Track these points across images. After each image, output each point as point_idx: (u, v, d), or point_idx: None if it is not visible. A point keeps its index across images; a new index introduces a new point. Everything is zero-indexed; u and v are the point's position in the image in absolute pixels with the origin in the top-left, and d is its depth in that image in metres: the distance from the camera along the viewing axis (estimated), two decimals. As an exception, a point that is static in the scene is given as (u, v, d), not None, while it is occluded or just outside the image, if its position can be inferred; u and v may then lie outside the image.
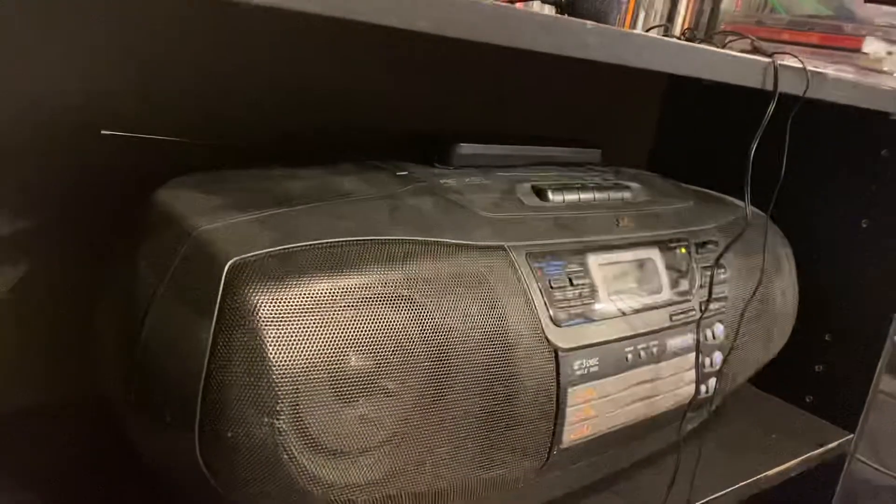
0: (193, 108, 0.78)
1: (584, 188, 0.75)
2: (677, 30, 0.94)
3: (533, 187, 0.72)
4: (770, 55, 0.66)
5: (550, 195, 0.72)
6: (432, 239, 0.60)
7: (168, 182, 0.64)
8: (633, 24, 0.91)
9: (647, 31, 0.92)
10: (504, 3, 0.49)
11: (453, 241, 0.61)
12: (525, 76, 1.02)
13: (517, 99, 1.03)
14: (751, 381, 0.97)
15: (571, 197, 0.73)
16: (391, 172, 0.70)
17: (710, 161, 1.14)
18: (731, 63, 0.64)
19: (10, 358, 0.75)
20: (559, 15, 0.60)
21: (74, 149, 0.72)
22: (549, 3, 0.65)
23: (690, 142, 1.21)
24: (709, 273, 0.78)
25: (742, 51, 0.73)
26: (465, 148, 0.75)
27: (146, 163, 0.74)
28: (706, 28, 0.96)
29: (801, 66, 0.68)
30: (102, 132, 0.72)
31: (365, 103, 0.88)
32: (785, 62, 0.68)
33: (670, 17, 0.93)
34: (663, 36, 0.86)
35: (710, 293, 0.76)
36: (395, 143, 0.79)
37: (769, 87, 0.66)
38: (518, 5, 0.79)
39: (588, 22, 0.52)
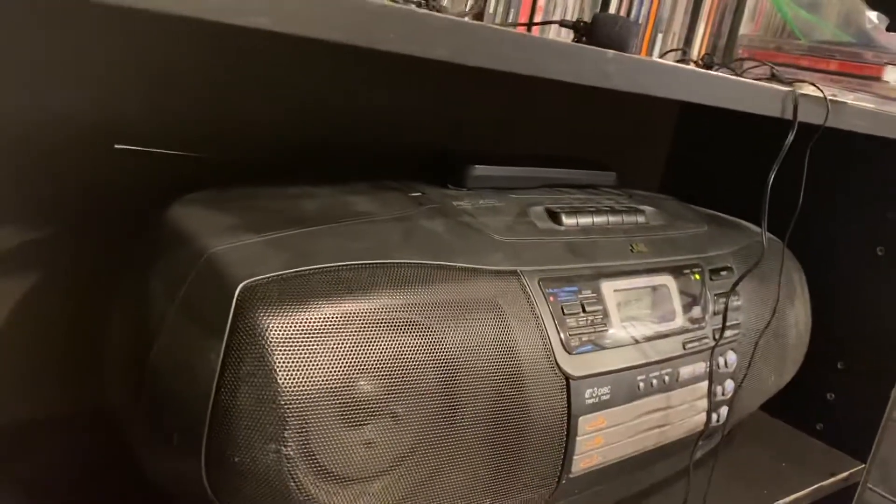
0: (205, 123, 0.77)
1: (597, 212, 0.74)
2: (695, 53, 0.94)
3: (546, 210, 0.72)
4: (790, 84, 0.66)
5: (564, 218, 0.71)
6: (444, 263, 0.59)
7: (180, 198, 0.64)
8: (651, 48, 0.90)
9: (664, 55, 0.91)
10: (523, 32, 0.48)
11: (465, 265, 0.60)
12: (538, 96, 1.01)
13: (530, 119, 1.02)
14: (761, 407, 0.96)
15: (585, 220, 0.72)
16: (404, 193, 0.70)
17: (723, 183, 1.13)
18: (751, 92, 0.63)
19: (21, 368, 0.75)
20: (577, 42, 0.60)
21: (87, 163, 0.72)
22: (567, 28, 0.65)
23: (704, 164, 1.20)
24: (723, 300, 0.77)
25: (761, 77, 0.72)
26: (479, 169, 0.74)
27: (158, 177, 0.74)
28: (724, 52, 0.96)
29: (821, 94, 0.68)
30: (116, 146, 0.72)
31: (378, 122, 0.88)
32: (804, 91, 0.68)
33: (688, 41, 0.93)
34: (680, 60, 0.86)
35: (724, 321, 0.75)
36: (408, 163, 0.79)
37: (789, 116, 0.66)
38: (535, 30, 0.79)
39: (608, 51, 0.51)
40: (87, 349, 0.75)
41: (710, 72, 0.61)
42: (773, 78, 0.70)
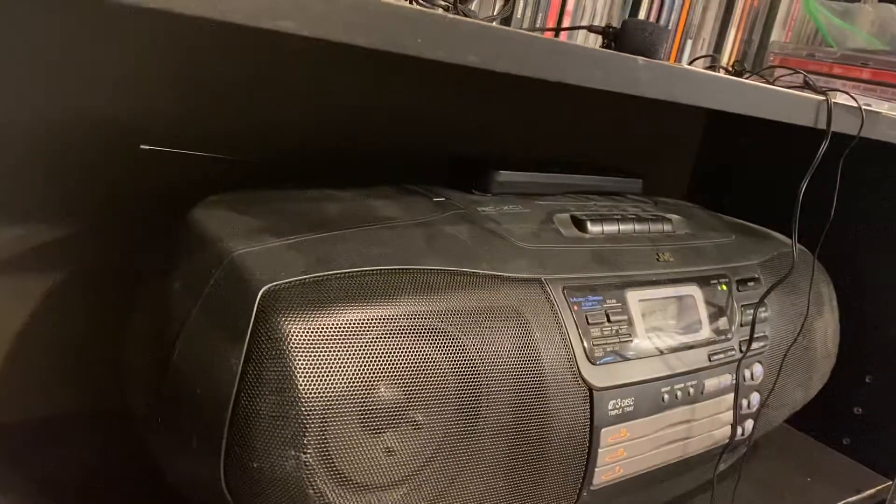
0: (230, 125, 0.77)
1: (623, 219, 0.73)
2: (724, 60, 0.92)
3: (571, 217, 0.71)
4: (823, 93, 0.64)
5: (589, 226, 0.70)
6: (468, 270, 0.59)
7: (204, 200, 0.64)
8: (680, 54, 0.89)
9: (693, 61, 0.90)
10: (553, 38, 0.48)
11: (489, 272, 0.60)
12: (564, 101, 1.00)
13: (555, 124, 1.01)
14: (787, 420, 0.94)
15: (611, 228, 0.71)
16: (428, 198, 0.69)
17: (749, 192, 1.11)
18: (784, 101, 0.62)
19: (41, 366, 0.75)
20: (607, 49, 0.59)
21: (111, 162, 0.72)
22: (595, 33, 0.64)
23: (730, 172, 1.18)
24: (749, 311, 0.76)
25: (793, 86, 0.71)
26: (504, 175, 0.74)
27: (182, 178, 0.74)
28: (754, 59, 0.94)
29: (855, 104, 0.66)
30: (141, 146, 0.72)
31: (402, 126, 0.88)
32: (838, 100, 0.66)
33: (717, 48, 0.92)
34: (710, 67, 0.84)
35: (752, 333, 0.74)
36: (432, 167, 0.78)
37: (822, 125, 0.64)
38: (563, 35, 0.78)
39: (639, 58, 0.50)
40: (107, 348, 0.75)
41: (742, 80, 0.60)
42: (806, 86, 0.69)
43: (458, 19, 0.41)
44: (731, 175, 1.18)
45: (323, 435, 0.49)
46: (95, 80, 0.69)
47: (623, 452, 0.65)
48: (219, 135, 0.77)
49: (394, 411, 0.52)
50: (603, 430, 0.62)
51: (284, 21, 0.36)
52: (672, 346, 0.69)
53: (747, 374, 0.76)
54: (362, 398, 0.51)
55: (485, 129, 0.95)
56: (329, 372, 0.49)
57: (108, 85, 0.70)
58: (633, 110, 1.08)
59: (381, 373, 0.51)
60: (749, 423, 0.78)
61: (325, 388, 0.49)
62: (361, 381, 0.51)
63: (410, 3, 0.56)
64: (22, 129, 0.68)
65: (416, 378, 0.53)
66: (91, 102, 0.70)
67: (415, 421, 0.54)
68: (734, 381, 0.74)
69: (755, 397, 0.77)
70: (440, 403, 0.54)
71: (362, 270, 0.54)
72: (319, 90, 0.81)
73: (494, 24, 0.46)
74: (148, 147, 0.72)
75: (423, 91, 0.88)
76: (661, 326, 0.68)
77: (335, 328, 0.50)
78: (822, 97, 0.64)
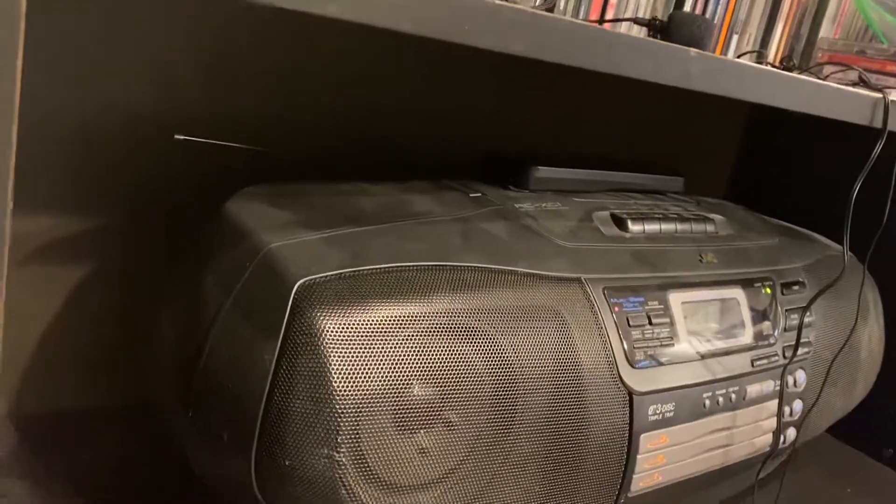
0: (265, 116, 0.77)
1: (665, 218, 0.71)
2: (771, 56, 0.89)
3: (612, 215, 0.69)
4: (880, 90, 0.62)
5: (630, 225, 0.68)
6: (505, 268, 0.57)
7: (238, 192, 0.63)
8: (725, 49, 0.86)
9: (740, 56, 0.87)
10: (598, 26, 0.46)
11: (526, 270, 0.58)
12: (603, 95, 0.98)
13: (594, 120, 0.99)
14: (826, 429, 0.91)
15: (652, 227, 0.69)
16: (464, 193, 0.68)
17: (792, 192, 1.08)
18: (839, 98, 0.60)
19: (71, 358, 0.75)
20: (655, 39, 0.57)
21: (145, 154, 0.72)
22: (641, 25, 0.62)
23: (773, 170, 1.15)
24: (794, 316, 0.73)
25: (844, 83, 0.68)
26: (542, 171, 0.72)
27: (216, 169, 0.73)
28: (801, 55, 0.91)
29: (913, 102, 0.63)
30: (176, 136, 0.72)
31: (438, 120, 0.86)
32: (894, 98, 0.63)
33: (764, 43, 0.89)
34: (756, 63, 0.82)
35: (798, 339, 0.71)
36: (468, 162, 0.77)
37: (878, 124, 0.62)
38: (606, 26, 0.76)
39: (691, 50, 0.48)
40: (138, 341, 0.74)
41: (795, 75, 0.57)
42: (861, 83, 0.66)
43: (507, 6, 0.40)
44: (772, 175, 1.15)
45: (356, 433, 0.48)
46: (126, 74, 0.69)
47: (662, 459, 0.63)
48: (251, 128, 0.76)
49: (428, 411, 0.51)
50: (642, 435, 0.60)
51: (328, 5, 0.34)
52: (714, 350, 0.66)
53: (790, 380, 0.73)
54: (396, 396, 0.49)
55: (521, 125, 0.93)
56: (364, 369, 0.48)
57: (140, 78, 0.69)
58: (673, 108, 1.05)
59: (416, 371, 0.50)
60: (791, 431, 0.76)
61: (360, 386, 0.48)
62: (396, 380, 0.49)
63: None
64: (53, 123, 0.67)
65: (451, 377, 0.52)
66: (122, 96, 0.69)
67: (449, 421, 0.52)
68: (777, 388, 0.72)
69: (798, 405, 0.75)
70: (475, 404, 0.53)
71: (398, 266, 0.53)
72: (356, 84, 0.80)
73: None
74: (182, 137, 0.71)
75: (459, 85, 0.86)
76: (704, 330, 0.66)
77: (371, 325, 0.49)
78: (879, 94, 0.61)
